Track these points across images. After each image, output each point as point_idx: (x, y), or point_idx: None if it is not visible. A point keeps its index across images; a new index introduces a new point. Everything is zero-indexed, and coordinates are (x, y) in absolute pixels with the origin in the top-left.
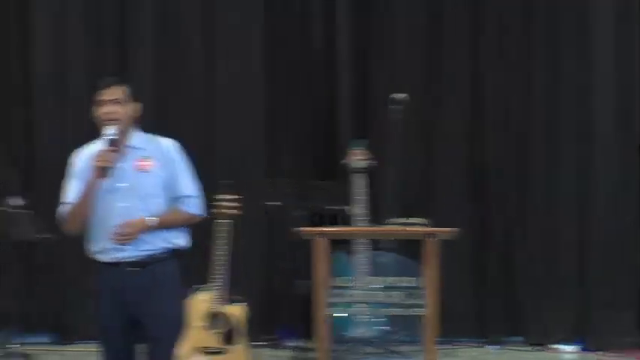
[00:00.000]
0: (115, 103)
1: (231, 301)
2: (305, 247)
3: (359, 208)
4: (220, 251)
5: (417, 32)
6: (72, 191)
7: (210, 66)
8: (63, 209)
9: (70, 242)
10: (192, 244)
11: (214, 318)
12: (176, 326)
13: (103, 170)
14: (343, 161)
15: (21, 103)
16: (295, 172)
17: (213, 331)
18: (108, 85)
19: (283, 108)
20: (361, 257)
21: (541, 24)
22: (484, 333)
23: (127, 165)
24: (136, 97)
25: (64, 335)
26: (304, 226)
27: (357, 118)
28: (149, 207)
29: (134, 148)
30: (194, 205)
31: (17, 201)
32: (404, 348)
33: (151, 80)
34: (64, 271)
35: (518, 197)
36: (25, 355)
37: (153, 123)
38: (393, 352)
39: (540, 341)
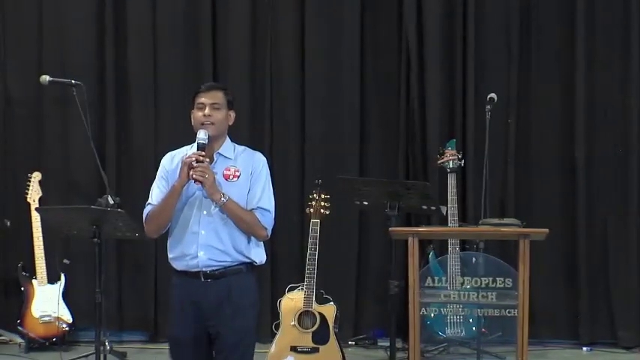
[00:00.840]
0: (213, 107)
1: (323, 301)
2: (398, 246)
3: (451, 208)
4: (312, 251)
5: (506, 33)
6: (158, 193)
7: (299, 66)
8: (147, 210)
9: (164, 242)
10: (285, 244)
11: (306, 317)
12: (248, 341)
13: (189, 174)
14: (439, 162)
15: (114, 103)
16: (387, 172)
17: (305, 330)
18: (208, 89)
19: (375, 107)
20: (453, 257)
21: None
22: (576, 334)
23: (214, 173)
24: (233, 105)
25: (159, 333)
26: (397, 226)
27: (447, 117)
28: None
29: (224, 157)
30: (266, 219)
31: (111, 200)
32: (496, 349)
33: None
34: (158, 269)
35: (613, 197)
36: (122, 354)
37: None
38: (485, 352)
39: (633, 344)
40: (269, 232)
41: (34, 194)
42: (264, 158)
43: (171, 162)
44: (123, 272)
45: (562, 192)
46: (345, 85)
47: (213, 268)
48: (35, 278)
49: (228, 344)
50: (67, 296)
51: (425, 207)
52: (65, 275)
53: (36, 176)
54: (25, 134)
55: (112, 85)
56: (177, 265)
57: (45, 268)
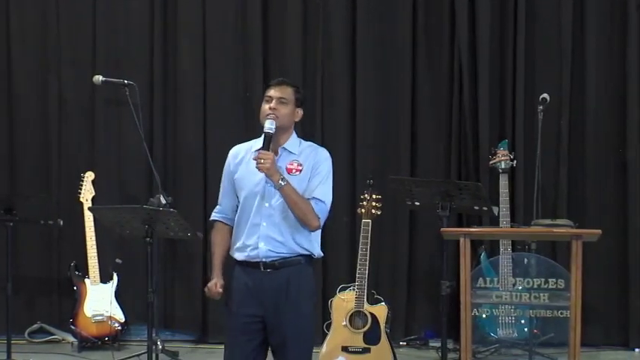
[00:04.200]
0: (280, 101)
1: (374, 301)
2: (449, 247)
3: (503, 208)
4: (363, 251)
5: (558, 32)
6: (222, 199)
7: (350, 66)
8: (214, 217)
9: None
10: (337, 245)
11: (357, 317)
12: (306, 333)
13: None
14: (491, 162)
15: (162, 103)
16: (439, 172)
17: (356, 330)
18: (279, 84)
19: (427, 107)
20: (505, 258)
21: None
22: (627, 338)
23: (278, 167)
24: (301, 102)
25: (208, 334)
26: (449, 227)
27: (498, 117)
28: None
29: (288, 151)
30: (319, 209)
31: (163, 200)
32: (549, 350)
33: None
34: (207, 269)
35: None
36: (173, 353)
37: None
38: (537, 353)
39: None
40: (321, 223)
41: (86, 194)
42: (328, 154)
43: (236, 157)
44: (172, 271)
45: (615, 192)
46: (396, 85)
47: (273, 259)
48: (88, 277)
49: (286, 335)
50: (119, 295)
51: (477, 207)
52: (118, 275)
53: (89, 176)
54: (79, 134)
55: (160, 85)
56: (239, 256)
57: (97, 267)
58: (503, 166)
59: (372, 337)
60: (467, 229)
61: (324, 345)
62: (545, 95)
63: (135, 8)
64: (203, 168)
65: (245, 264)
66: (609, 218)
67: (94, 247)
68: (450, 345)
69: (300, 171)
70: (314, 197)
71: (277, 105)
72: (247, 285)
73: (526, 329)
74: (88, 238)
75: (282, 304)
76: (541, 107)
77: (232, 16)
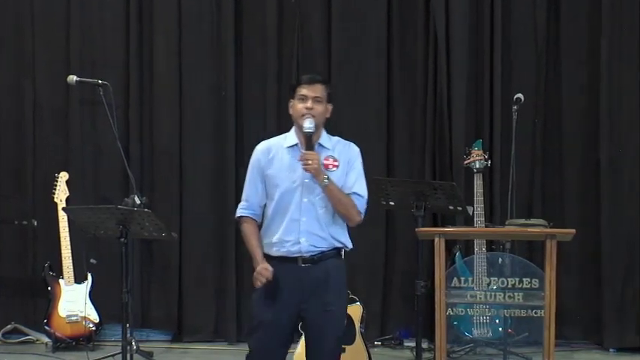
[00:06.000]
0: (315, 100)
1: (349, 301)
2: (424, 247)
3: (477, 208)
4: None
5: (533, 32)
6: (251, 194)
7: (325, 67)
8: (241, 213)
9: (189, 242)
10: None
11: None
12: (342, 324)
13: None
14: (466, 162)
15: (138, 103)
16: (414, 172)
17: None
18: (311, 82)
19: (401, 107)
20: (479, 258)
21: None
22: (602, 337)
23: None
24: (331, 97)
25: (183, 333)
26: (423, 226)
27: (474, 117)
28: (329, 204)
29: (323, 147)
30: (360, 204)
31: (138, 200)
32: (523, 349)
33: None
34: (183, 269)
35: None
36: (148, 353)
37: None
38: (512, 353)
39: None
40: (363, 214)
41: (61, 194)
42: (358, 149)
43: (267, 153)
44: (148, 271)
45: (589, 192)
46: (371, 85)
47: (313, 254)
48: (62, 278)
49: (323, 327)
50: (93, 296)
51: (451, 207)
52: (92, 275)
53: (63, 176)
54: (53, 134)
55: (136, 86)
56: (275, 252)
57: (72, 267)
58: (477, 166)
59: (347, 337)
60: (442, 229)
61: (299, 345)
62: (520, 95)
63: (110, 9)
64: (179, 168)
65: (281, 259)
66: (584, 218)
67: (69, 247)
68: (425, 345)
69: (337, 166)
70: (354, 192)
71: (313, 104)
72: (283, 280)
73: (501, 329)
74: (62, 239)
75: (321, 297)
76: (516, 107)
77: (208, 17)
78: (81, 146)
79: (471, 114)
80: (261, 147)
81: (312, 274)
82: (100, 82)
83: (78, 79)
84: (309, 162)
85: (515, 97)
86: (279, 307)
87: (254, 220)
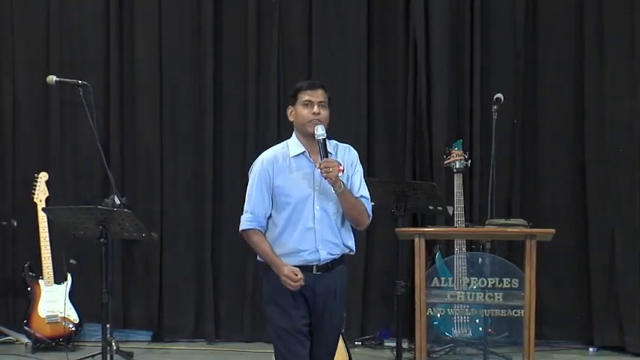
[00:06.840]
0: (321, 105)
1: None
2: (404, 247)
3: (457, 208)
4: None
5: (513, 32)
6: (260, 205)
7: (306, 67)
8: (247, 226)
9: (169, 242)
10: None
11: None
12: (342, 323)
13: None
14: (446, 162)
15: (119, 103)
16: (394, 172)
17: None
18: (314, 87)
19: (382, 108)
20: (459, 258)
21: None
22: (583, 337)
23: None
24: (330, 100)
25: (163, 333)
26: (403, 226)
27: (454, 117)
28: (340, 210)
29: (328, 152)
30: (369, 207)
31: (117, 200)
32: (503, 349)
33: None
34: (163, 269)
35: (621, 198)
36: (128, 353)
37: None
38: (492, 352)
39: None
40: (371, 216)
41: (40, 194)
42: (356, 151)
43: (273, 163)
44: (128, 272)
45: (569, 192)
46: (351, 86)
47: (327, 261)
48: (42, 278)
49: (330, 331)
50: (73, 296)
51: (431, 207)
52: (72, 275)
53: (42, 176)
54: (32, 134)
55: (116, 86)
56: (291, 261)
57: (52, 268)
58: (457, 166)
59: None
60: (421, 229)
61: None
62: (500, 95)
63: (90, 9)
64: (159, 168)
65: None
66: (564, 218)
67: (48, 247)
68: (405, 345)
69: (342, 171)
70: (362, 196)
71: (319, 109)
72: (300, 290)
73: (481, 329)
74: (42, 239)
75: (329, 304)
76: (495, 107)
77: (188, 18)
78: (61, 146)
79: (451, 114)
80: (266, 157)
81: (322, 282)
82: (79, 82)
83: (58, 79)
84: (330, 169)
85: (495, 97)
86: (298, 315)
87: (261, 232)
